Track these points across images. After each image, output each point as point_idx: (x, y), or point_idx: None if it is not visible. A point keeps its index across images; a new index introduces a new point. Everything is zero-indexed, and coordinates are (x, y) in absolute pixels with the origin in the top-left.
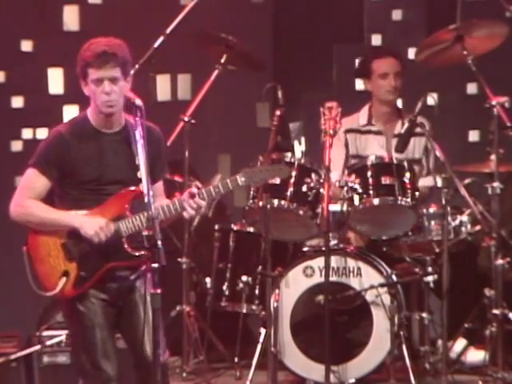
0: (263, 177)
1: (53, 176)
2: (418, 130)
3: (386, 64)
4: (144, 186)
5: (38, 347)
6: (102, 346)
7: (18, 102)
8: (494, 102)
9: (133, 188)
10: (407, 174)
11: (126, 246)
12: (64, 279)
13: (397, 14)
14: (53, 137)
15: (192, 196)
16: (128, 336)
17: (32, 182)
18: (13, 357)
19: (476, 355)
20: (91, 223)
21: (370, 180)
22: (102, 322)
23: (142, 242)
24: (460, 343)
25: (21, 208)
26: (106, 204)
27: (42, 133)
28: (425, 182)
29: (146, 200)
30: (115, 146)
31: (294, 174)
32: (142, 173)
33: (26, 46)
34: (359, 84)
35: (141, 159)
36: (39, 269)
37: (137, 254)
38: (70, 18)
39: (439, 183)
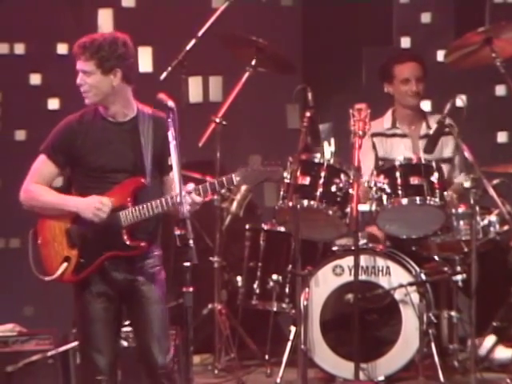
0: (258, 178)
1: (60, 162)
2: (447, 130)
3: (408, 69)
4: (176, 186)
5: (74, 344)
6: (96, 339)
7: (54, 104)
8: None
9: (136, 178)
10: (435, 174)
11: (125, 237)
12: (65, 265)
13: (426, 17)
14: (62, 124)
15: (189, 192)
16: (137, 334)
17: (39, 168)
18: (49, 354)
19: (504, 352)
20: (87, 205)
21: (399, 180)
22: (100, 316)
23: (142, 232)
24: (490, 339)
25: (26, 193)
26: (110, 193)
27: None
28: (460, 180)
29: (178, 200)
30: (123, 135)
31: (323, 174)
32: (175, 173)
33: (62, 48)
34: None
35: (173, 159)
36: (43, 253)
37: (134, 244)
38: (105, 21)
39: (468, 184)
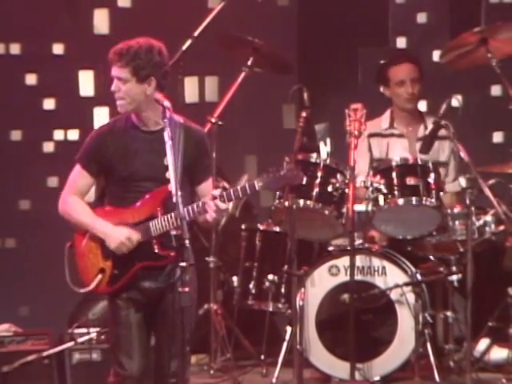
0: (279, 183)
1: (93, 171)
2: (443, 132)
3: (402, 71)
4: (172, 186)
5: (70, 344)
6: (127, 344)
7: (49, 104)
8: None
9: (165, 187)
10: (432, 175)
11: (155, 247)
12: (100, 276)
13: (421, 17)
14: (94, 133)
15: (213, 198)
16: (158, 342)
17: (75, 178)
18: (45, 354)
19: (500, 353)
20: (114, 237)
21: (395, 180)
22: (132, 322)
23: (170, 241)
24: (484, 342)
25: (64, 205)
26: (141, 203)
27: (73, 134)
28: (452, 188)
29: (174, 200)
30: (154, 144)
31: (319, 174)
32: (171, 173)
33: (58, 49)
34: None
35: (169, 160)
36: (79, 265)
37: (164, 254)
38: (101, 21)
39: (463, 184)
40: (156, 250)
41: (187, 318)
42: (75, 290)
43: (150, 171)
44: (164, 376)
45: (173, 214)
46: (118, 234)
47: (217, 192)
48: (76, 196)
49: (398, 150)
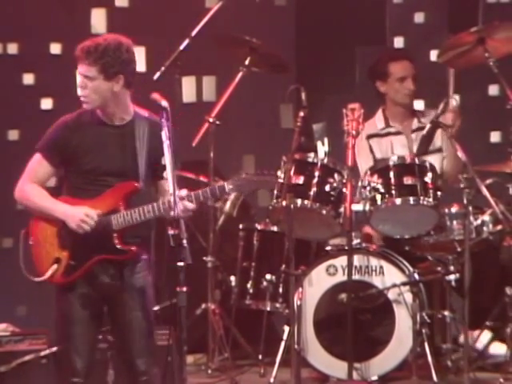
0: (250, 187)
1: (54, 162)
2: (441, 130)
3: (404, 67)
4: (170, 186)
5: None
6: (75, 341)
7: (47, 103)
8: None
9: (129, 182)
10: (429, 174)
11: (116, 241)
12: (55, 266)
13: (419, 17)
14: (58, 123)
15: (181, 198)
16: (119, 340)
17: (35, 167)
18: (43, 354)
19: (500, 348)
20: (73, 215)
21: (392, 180)
22: (83, 318)
23: (133, 237)
24: (485, 335)
25: (20, 192)
26: (103, 196)
27: None
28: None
29: (172, 200)
30: (119, 138)
31: (317, 174)
32: (168, 173)
33: (55, 48)
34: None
35: (167, 159)
36: (34, 253)
37: (125, 248)
38: (98, 20)
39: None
40: (116, 244)
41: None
42: (29, 279)
43: (114, 166)
44: (135, 375)
45: (137, 210)
46: (77, 212)
47: (184, 192)
48: (34, 184)
49: (398, 148)
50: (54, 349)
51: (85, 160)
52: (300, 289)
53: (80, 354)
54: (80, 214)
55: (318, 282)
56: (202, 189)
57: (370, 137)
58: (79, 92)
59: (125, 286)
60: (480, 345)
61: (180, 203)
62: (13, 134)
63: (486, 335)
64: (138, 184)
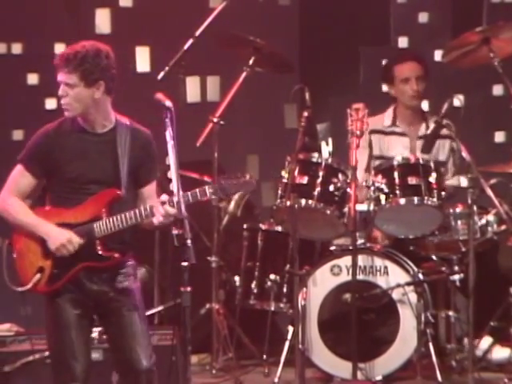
0: (230, 190)
1: (36, 173)
2: (445, 131)
3: (408, 68)
4: (174, 186)
5: None
6: (71, 346)
7: (51, 103)
8: None
9: (111, 190)
10: (433, 174)
11: (98, 248)
12: (38, 275)
13: (423, 17)
14: (38, 134)
15: (162, 203)
16: (115, 343)
17: (17, 178)
18: (47, 353)
19: (501, 352)
20: (55, 238)
21: (397, 180)
22: (75, 322)
23: (116, 243)
24: (486, 341)
25: (4, 204)
26: (85, 204)
27: None
28: (451, 182)
29: (175, 201)
30: (100, 146)
31: (321, 174)
32: (173, 172)
33: (59, 48)
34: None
35: (171, 159)
36: (18, 263)
37: (108, 255)
38: (102, 20)
39: (465, 183)
40: (99, 251)
41: (187, 317)
42: (13, 289)
43: (96, 174)
44: (135, 375)
45: (119, 217)
46: (60, 236)
47: (165, 197)
48: (16, 197)
49: (399, 149)
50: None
51: (67, 169)
52: (304, 289)
53: (77, 359)
54: (62, 239)
55: (323, 281)
56: (184, 193)
57: (372, 132)
58: (61, 101)
59: (112, 291)
60: (480, 352)
61: (161, 208)
62: (17, 134)
63: (487, 341)
64: (120, 191)
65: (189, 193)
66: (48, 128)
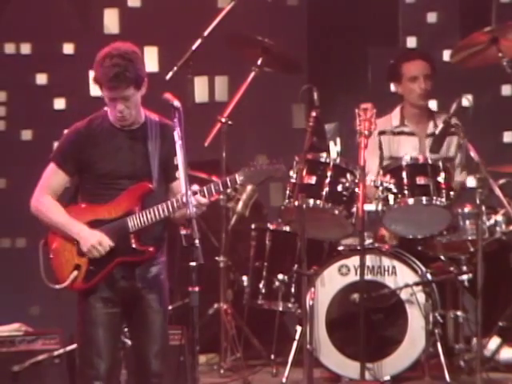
0: (261, 176)
1: (70, 170)
2: (453, 130)
3: (416, 67)
4: (182, 186)
5: None
6: (98, 343)
7: (60, 103)
8: None
9: (143, 184)
10: (442, 174)
11: (132, 242)
12: (75, 273)
13: (432, 17)
14: (70, 132)
15: (194, 193)
16: (136, 341)
17: (50, 177)
18: (56, 353)
19: (510, 353)
20: (87, 240)
21: (405, 180)
22: (104, 322)
23: (150, 237)
24: (494, 341)
25: (38, 204)
26: (118, 200)
27: None
28: (459, 178)
29: (184, 199)
30: (131, 142)
31: (329, 174)
32: (181, 172)
33: (68, 48)
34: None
35: (179, 159)
36: (54, 262)
37: (142, 249)
38: (111, 21)
39: (473, 183)
40: (134, 245)
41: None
42: (50, 287)
43: (129, 169)
44: (147, 376)
45: (151, 210)
46: (91, 238)
47: (196, 187)
48: (50, 196)
49: (408, 149)
50: (68, 348)
51: (99, 165)
52: (312, 289)
53: (102, 357)
54: (93, 241)
55: (331, 281)
56: (214, 182)
57: (381, 133)
58: (118, 115)
59: (144, 287)
60: (488, 352)
61: (193, 198)
62: (26, 134)
63: (495, 341)
64: (151, 185)
65: (219, 181)
66: (78, 126)
